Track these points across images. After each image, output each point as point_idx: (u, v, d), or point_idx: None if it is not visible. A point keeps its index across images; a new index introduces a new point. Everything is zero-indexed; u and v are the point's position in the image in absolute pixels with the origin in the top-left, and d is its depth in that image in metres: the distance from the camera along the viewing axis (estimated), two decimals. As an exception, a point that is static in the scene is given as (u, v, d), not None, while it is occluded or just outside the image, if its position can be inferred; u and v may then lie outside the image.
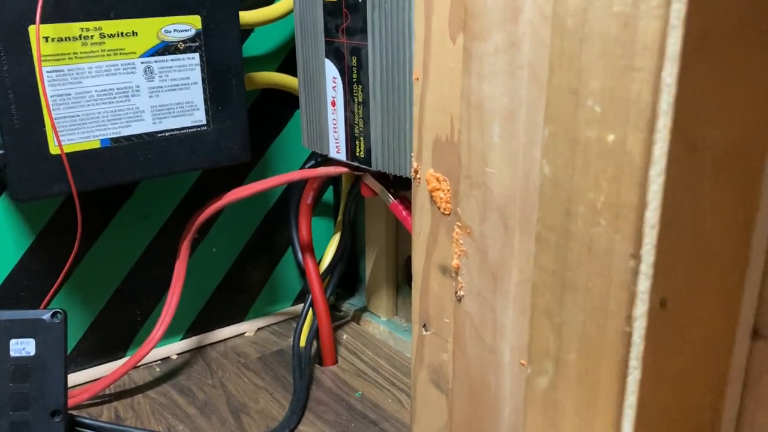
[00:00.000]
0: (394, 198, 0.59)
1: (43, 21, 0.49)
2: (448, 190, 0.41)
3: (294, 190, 0.69)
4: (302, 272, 0.68)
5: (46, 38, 0.50)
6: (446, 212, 0.41)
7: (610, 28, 0.21)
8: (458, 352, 0.37)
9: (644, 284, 0.22)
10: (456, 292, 0.37)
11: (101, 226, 0.62)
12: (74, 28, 0.51)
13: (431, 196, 0.42)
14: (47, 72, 0.51)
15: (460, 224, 0.35)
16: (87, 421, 0.52)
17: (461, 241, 0.35)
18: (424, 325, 0.45)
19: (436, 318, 0.43)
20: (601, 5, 0.21)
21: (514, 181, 0.31)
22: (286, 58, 0.67)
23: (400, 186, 0.60)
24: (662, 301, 0.22)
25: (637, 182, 0.21)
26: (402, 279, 0.73)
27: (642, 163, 0.21)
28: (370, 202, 0.71)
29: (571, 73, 0.23)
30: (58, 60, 0.51)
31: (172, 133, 0.56)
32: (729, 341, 0.25)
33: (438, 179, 0.41)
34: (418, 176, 0.44)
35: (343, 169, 0.60)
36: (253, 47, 0.66)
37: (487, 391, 0.36)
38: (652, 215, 0.21)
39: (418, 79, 0.42)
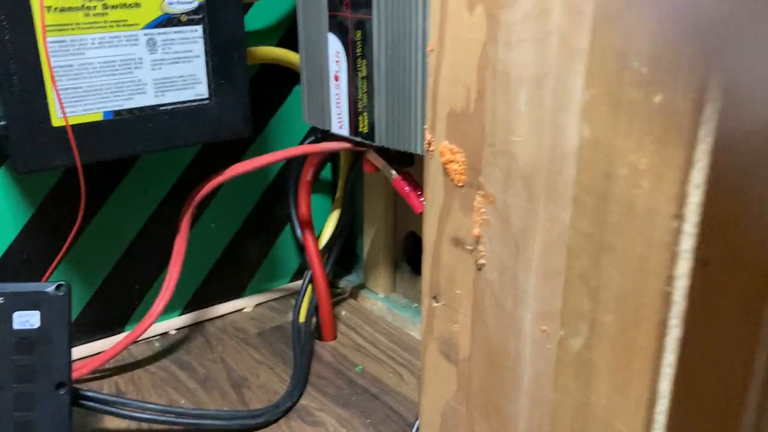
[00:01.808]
0: (397, 174, 0.58)
1: (46, -11, 0.48)
2: (463, 162, 0.40)
3: (293, 166, 0.68)
4: (301, 249, 0.68)
5: (48, 8, 0.49)
6: (460, 184, 0.40)
7: (662, -13, 0.21)
8: (477, 320, 0.37)
9: (687, 244, 0.22)
10: (476, 261, 0.37)
11: (100, 200, 0.61)
12: (77, -3, 0.50)
13: (445, 169, 0.42)
14: (49, 42, 0.49)
15: (482, 193, 0.35)
16: (91, 394, 0.51)
17: (483, 210, 0.35)
18: (435, 297, 0.45)
19: (447, 290, 0.43)
20: (652, -35, 0.21)
21: (541, 148, 0.31)
22: (285, 33, 0.66)
23: (402, 162, 0.60)
24: (705, 261, 0.22)
25: (685, 142, 0.21)
26: (400, 256, 0.73)
27: (691, 124, 0.21)
28: (368, 178, 0.71)
29: (617, 35, 0.23)
30: (60, 30, 0.49)
31: (174, 106, 0.55)
32: (764, 303, 0.26)
33: (452, 151, 0.41)
34: (431, 148, 0.43)
35: (346, 145, 0.59)
36: (252, 21, 0.64)
37: (506, 359, 0.36)
38: (698, 175, 0.21)
39: (433, 50, 0.42)
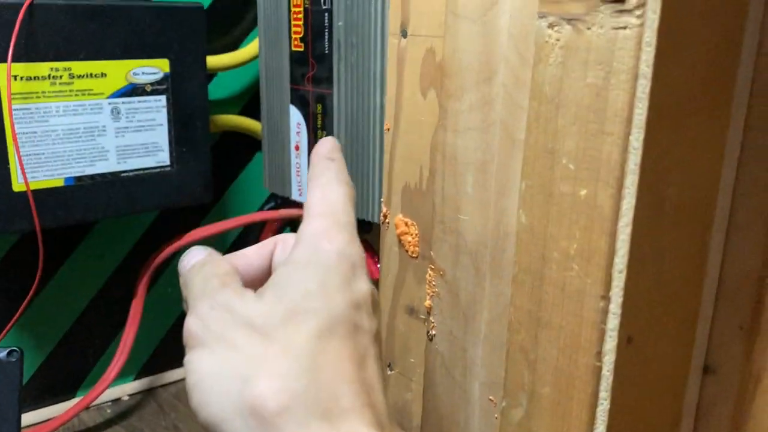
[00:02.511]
0: (355, 241, 0.61)
1: (14, 60, 0.50)
2: (416, 234, 0.43)
3: (252, 232, 0.70)
4: (258, 313, 0.69)
5: (15, 77, 0.50)
6: (414, 255, 0.43)
7: (584, 97, 0.24)
8: (428, 389, 0.39)
9: (613, 323, 0.25)
10: (428, 332, 0.39)
11: (57, 264, 0.61)
12: (44, 67, 0.52)
13: (399, 240, 0.45)
14: (14, 110, 0.51)
15: (433, 267, 0.38)
16: (39, 465, 0.51)
17: (434, 283, 0.37)
18: (389, 365, 0.47)
19: (401, 358, 0.45)
20: (576, 76, 0.25)
21: (486, 227, 0.34)
22: (248, 102, 0.69)
23: (359, 229, 0.62)
24: (629, 338, 0.25)
25: (607, 232, 0.24)
26: (357, 320, 0.74)
27: (611, 216, 0.24)
28: (326, 244, 0.73)
29: (547, 134, 0.26)
30: (25, 98, 0.51)
31: (136, 172, 0.57)
32: (684, 375, 0.28)
33: (406, 224, 0.44)
34: (386, 221, 0.46)
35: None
36: (216, 90, 0.67)
37: (456, 427, 0.38)
38: (621, 261, 0.24)
39: (389, 129, 0.45)
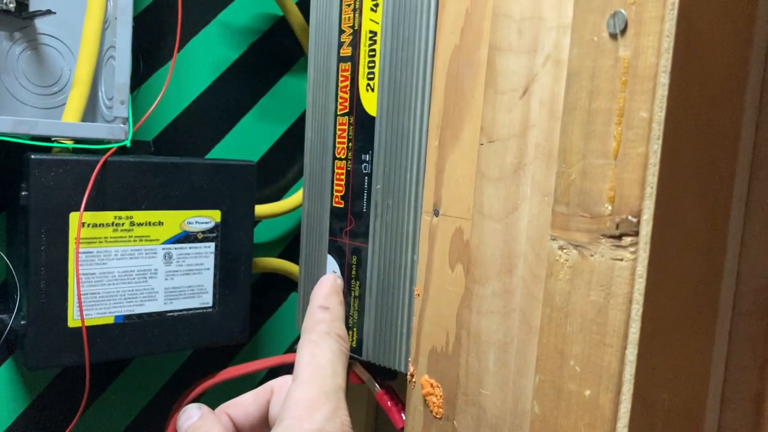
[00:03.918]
0: (381, 387, 0.65)
1: (85, 209, 0.57)
2: (441, 396, 0.48)
3: (280, 371, 0.75)
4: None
5: (84, 224, 0.58)
6: (438, 416, 0.47)
7: (588, 311, 0.30)
8: None
9: None
10: (448, 497, 0.43)
11: (93, 396, 0.66)
12: (109, 216, 0.59)
13: (425, 400, 0.49)
14: (80, 253, 0.58)
15: (455, 436, 0.42)
16: None
17: (455, 452, 0.42)
18: None
19: None
20: (581, 293, 0.30)
21: (505, 403, 0.39)
22: (287, 246, 0.76)
23: (386, 375, 0.67)
24: None
25: (607, 430, 0.29)
26: (378, 465, 0.77)
27: (611, 416, 0.29)
28: (349, 388, 0.77)
29: (557, 337, 0.31)
30: (90, 243, 0.58)
31: (180, 313, 0.63)
32: None
33: (432, 385, 0.49)
34: (413, 380, 0.51)
35: (335, 357, 0.66)
36: (259, 235, 0.74)
37: None
38: (620, 458, 0.29)
39: (419, 295, 0.51)
